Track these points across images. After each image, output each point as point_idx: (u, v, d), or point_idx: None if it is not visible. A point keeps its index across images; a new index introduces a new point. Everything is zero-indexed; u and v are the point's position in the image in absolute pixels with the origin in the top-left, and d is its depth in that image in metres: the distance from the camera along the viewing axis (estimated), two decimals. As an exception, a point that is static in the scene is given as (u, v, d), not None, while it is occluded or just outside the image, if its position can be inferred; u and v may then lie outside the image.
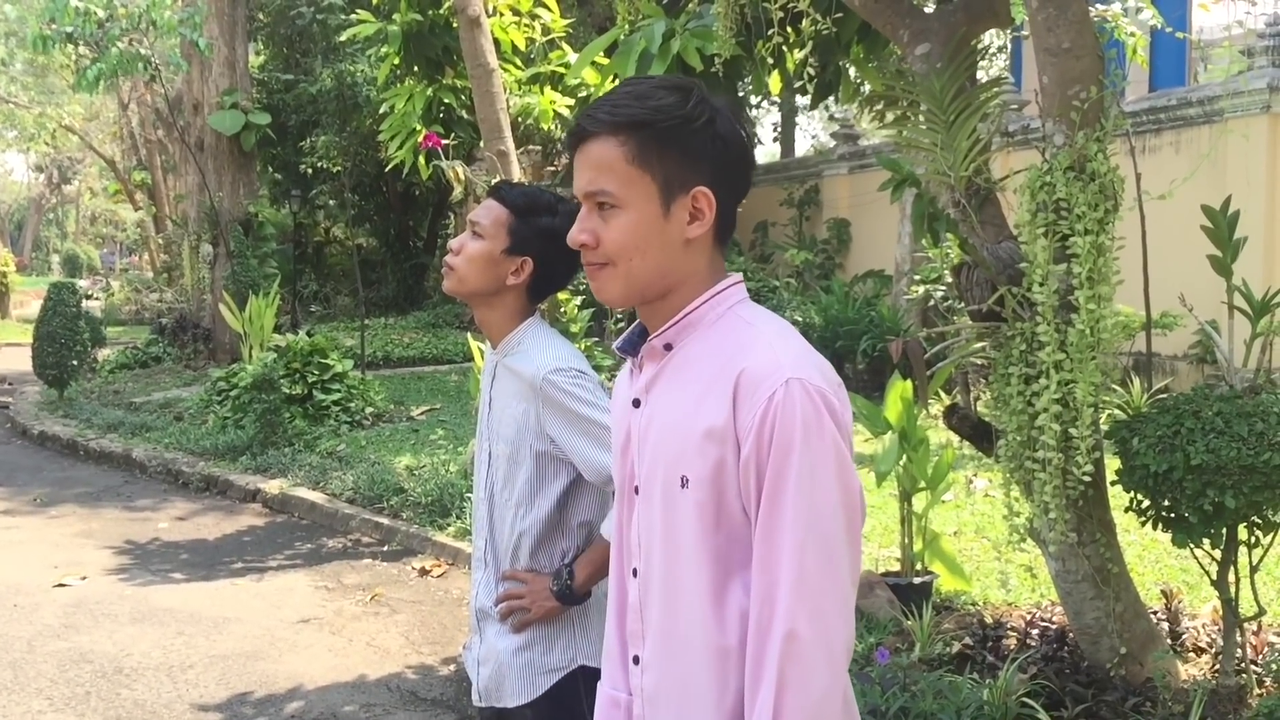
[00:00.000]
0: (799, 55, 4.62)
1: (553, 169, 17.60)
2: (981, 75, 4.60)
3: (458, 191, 6.52)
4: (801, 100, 23.57)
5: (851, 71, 5.05)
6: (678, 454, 1.54)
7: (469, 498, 7.12)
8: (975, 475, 7.77)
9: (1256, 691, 3.61)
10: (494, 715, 2.37)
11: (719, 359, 1.54)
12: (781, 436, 1.46)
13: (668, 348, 1.60)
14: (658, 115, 1.54)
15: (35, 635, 5.37)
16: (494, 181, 3.05)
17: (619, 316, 7.20)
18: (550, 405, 2.23)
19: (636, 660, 1.65)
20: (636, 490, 1.64)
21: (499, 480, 2.33)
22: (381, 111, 7.54)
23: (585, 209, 1.59)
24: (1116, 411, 3.67)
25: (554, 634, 2.29)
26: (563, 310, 6.50)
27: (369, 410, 10.81)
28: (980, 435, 3.92)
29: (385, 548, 7.02)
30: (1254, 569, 3.59)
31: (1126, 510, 3.61)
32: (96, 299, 26.17)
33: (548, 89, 7.41)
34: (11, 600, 5.91)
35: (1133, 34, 6.76)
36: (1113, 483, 3.61)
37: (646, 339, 1.64)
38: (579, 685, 2.27)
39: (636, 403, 1.64)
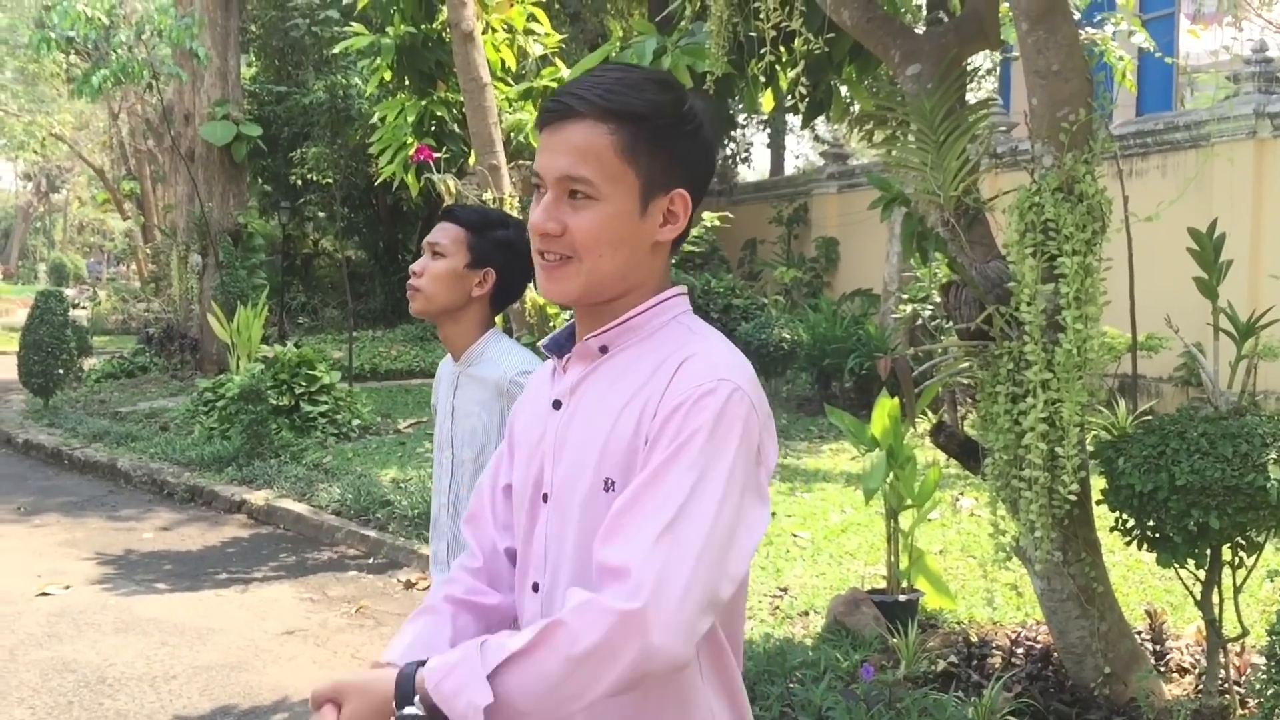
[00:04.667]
0: (791, 74, 4.66)
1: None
2: (970, 97, 4.64)
3: (447, 205, 6.53)
4: (792, 119, 23.66)
5: (843, 91, 5.09)
6: (602, 457, 1.43)
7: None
8: (961, 494, 7.79)
9: (1239, 712, 3.62)
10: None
11: (655, 361, 1.44)
12: (692, 421, 1.35)
13: (603, 350, 1.50)
14: (655, 111, 1.44)
15: (18, 644, 5.34)
16: (445, 206, 3.24)
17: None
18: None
19: None
20: (545, 498, 1.52)
21: (464, 485, 2.49)
22: (373, 124, 7.56)
23: (551, 195, 1.45)
24: (1101, 432, 3.69)
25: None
26: (551, 326, 6.51)
27: (356, 422, 10.79)
28: (967, 454, 3.94)
29: (371, 560, 7.00)
30: (1237, 589, 3.61)
31: (1112, 530, 3.64)
32: (83, 308, 26.07)
33: (539, 105, 7.44)
34: (-6, 609, 5.88)
35: (1121, 58, 6.84)
36: (1098, 502, 3.64)
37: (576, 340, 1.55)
38: None
39: (557, 404, 1.53)
